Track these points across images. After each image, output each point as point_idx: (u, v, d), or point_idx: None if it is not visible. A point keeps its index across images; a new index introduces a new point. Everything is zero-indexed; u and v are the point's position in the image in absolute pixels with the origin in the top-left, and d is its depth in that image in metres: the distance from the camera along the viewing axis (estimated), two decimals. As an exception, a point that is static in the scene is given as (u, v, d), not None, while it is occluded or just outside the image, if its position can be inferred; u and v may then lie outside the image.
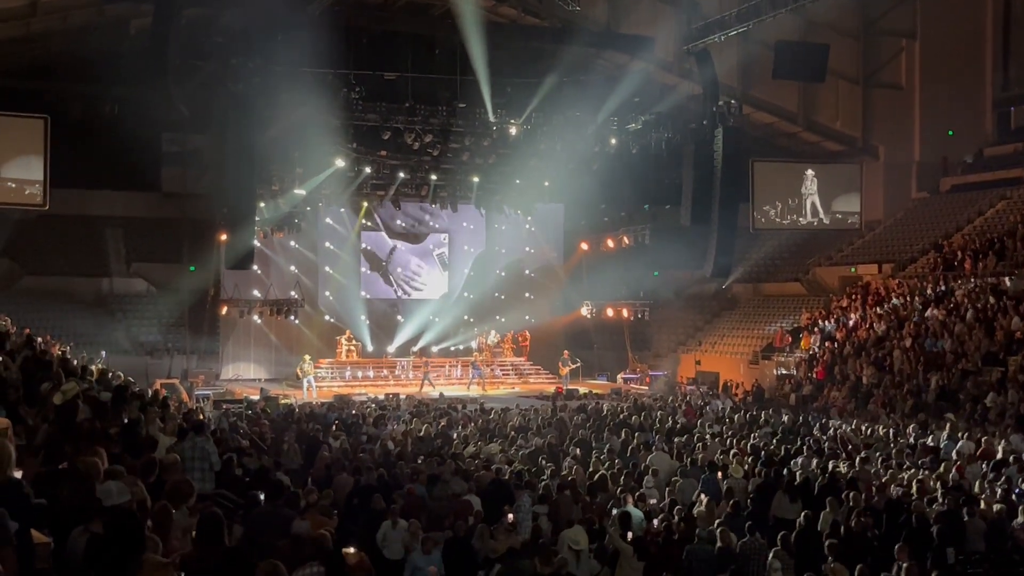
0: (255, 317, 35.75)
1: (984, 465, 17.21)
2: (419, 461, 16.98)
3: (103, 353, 31.36)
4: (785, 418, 24.98)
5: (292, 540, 8.47)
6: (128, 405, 12.42)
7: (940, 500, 14.02)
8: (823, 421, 25.09)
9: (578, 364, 37.68)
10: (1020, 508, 13.75)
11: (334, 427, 21.57)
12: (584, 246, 42.28)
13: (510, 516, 13.15)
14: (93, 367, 21.28)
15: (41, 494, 6.66)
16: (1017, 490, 15.02)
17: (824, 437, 21.58)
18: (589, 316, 40.41)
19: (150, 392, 21.58)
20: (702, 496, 14.30)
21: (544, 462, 17.72)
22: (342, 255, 39.97)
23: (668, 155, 35.05)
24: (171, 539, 6.73)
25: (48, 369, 13.45)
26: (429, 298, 41.30)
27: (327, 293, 39.59)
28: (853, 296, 35.76)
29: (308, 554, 7.76)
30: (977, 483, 15.75)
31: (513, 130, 34.21)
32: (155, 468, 8.84)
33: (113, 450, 8.76)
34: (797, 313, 38.00)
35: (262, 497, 10.74)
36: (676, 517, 13.01)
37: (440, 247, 42.09)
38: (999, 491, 14.75)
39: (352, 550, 8.67)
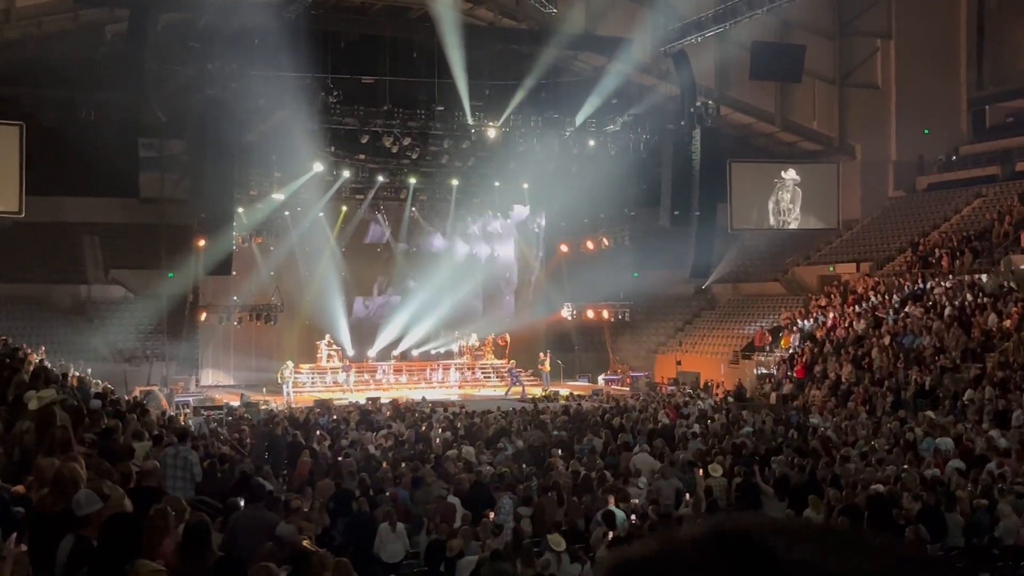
0: (235, 323, 35.57)
1: (963, 461, 17.30)
2: (401, 466, 16.97)
3: (89, 370, 30.87)
4: (765, 417, 25.03)
5: (276, 542, 8.44)
6: (105, 412, 12.34)
7: (919, 496, 14.07)
8: (803, 419, 25.17)
9: (552, 368, 37.53)
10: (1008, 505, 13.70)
11: (317, 432, 21.51)
12: (564, 248, 42.24)
13: (491, 515, 13.15)
14: (70, 376, 21.14)
15: (15, 500, 6.61)
16: (999, 486, 15.05)
17: (805, 435, 21.64)
18: (570, 318, 40.40)
19: (129, 399, 21.44)
20: (687, 496, 14.32)
21: (525, 465, 17.72)
22: (321, 259, 39.80)
23: (647, 156, 35.18)
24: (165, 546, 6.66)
25: (24, 376, 13.33)
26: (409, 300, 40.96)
27: (307, 298, 39.36)
28: (831, 295, 35.91)
29: (288, 556, 7.73)
30: (956, 479, 15.82)
31: (491, 132, 34.27)
32: (131, 476, 8.78)
33: (90, 457, 8.70)
34: (776, 312, 38.05)
35: (242, 503, 10.70)
36: (653, 517, 13.03)
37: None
38: (980, 487, 14.82)
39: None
